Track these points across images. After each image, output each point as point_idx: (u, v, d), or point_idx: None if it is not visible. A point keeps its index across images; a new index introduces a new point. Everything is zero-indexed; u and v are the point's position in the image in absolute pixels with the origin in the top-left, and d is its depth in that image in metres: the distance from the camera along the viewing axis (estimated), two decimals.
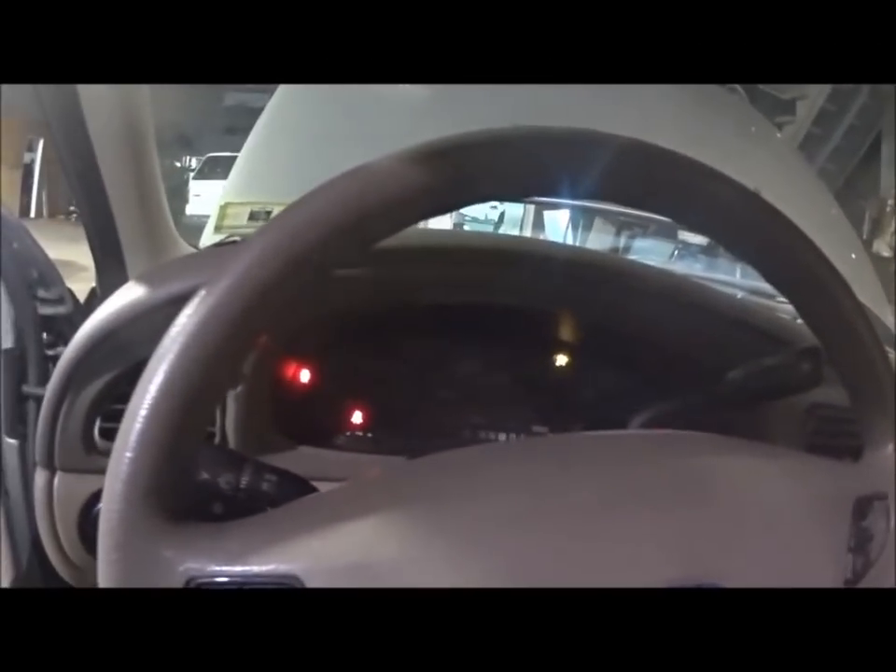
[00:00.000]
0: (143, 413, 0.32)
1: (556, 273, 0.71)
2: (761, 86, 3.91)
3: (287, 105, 1.38)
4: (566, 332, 0.78)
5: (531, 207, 1.80)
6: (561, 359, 0.78)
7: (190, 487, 0.37)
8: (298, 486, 0.54)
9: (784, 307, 1.02)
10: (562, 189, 0.38)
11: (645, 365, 0.77)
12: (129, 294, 0.64)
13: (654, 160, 0.39)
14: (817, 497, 0.45)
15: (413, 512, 0.37)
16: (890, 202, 4.05)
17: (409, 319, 0.73)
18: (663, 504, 0.40)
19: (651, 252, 1.61)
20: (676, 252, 1.59)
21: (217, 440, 0.64)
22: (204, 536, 0.34)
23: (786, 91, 4.34)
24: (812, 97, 4.39)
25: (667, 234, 1.60)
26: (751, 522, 0.41)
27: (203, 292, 0.34)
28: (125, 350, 0.62)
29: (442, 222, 1.87)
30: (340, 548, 0.34)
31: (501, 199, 0.44)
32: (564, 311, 0.76)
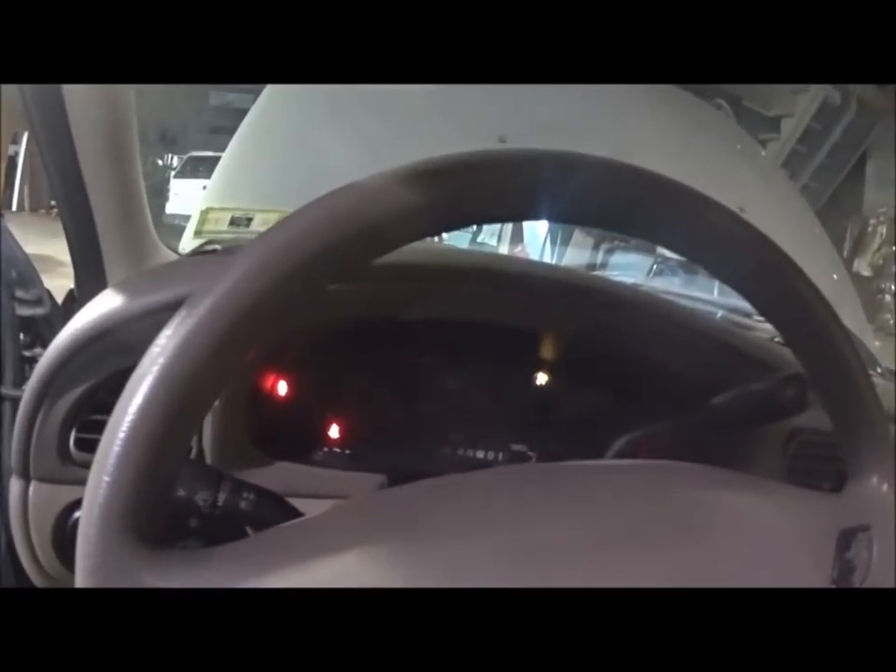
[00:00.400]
0: (121, 435, 0.31)
1: (539, 292, 0.71)
2: (746, 103, 3.93)
3: (270, 110, 1.36)
4: (548, 351, 0.76)
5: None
6: (543, 378, 0.77)
7: (169, 508, 0.35)
8: (275, 505, 0.53)
9: (763, 326, 1.02)
10: (550, 211, 0.38)
11: (629, 387, 0.76)
12: (107, 303, 0.62)
13: (642, 184, 0.38)
14: (803, 530, 0.45)
15: (397, 546, 0.35)
16: (873, 221, 4.09)
17: (389, 334, 0.71)
18: (654, 542, 0.38)
19: (629, 266, 1.59)
20: (655, 266, 1.58)
21: (193, 454, 0.63)
22: (184, 564, 0.33)
23: (771, 109, 4.36)
24: (798, 115, 4.42)
25: (646, 249, 1.59)
26: (741, 557, 0.40)
27: (184, 311, 0.32)
28: (102, 360, 0.61)
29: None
30: (322, 581, 0.33)
31: (497, 221, 0.43)
32: (547, 330, 0.75)
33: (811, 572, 0.43)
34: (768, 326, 0.99)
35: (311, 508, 0.64)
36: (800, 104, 4.35)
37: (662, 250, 1.55)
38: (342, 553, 0.34)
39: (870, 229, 3.91)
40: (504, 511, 0.39)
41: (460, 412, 0.76)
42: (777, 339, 0.81)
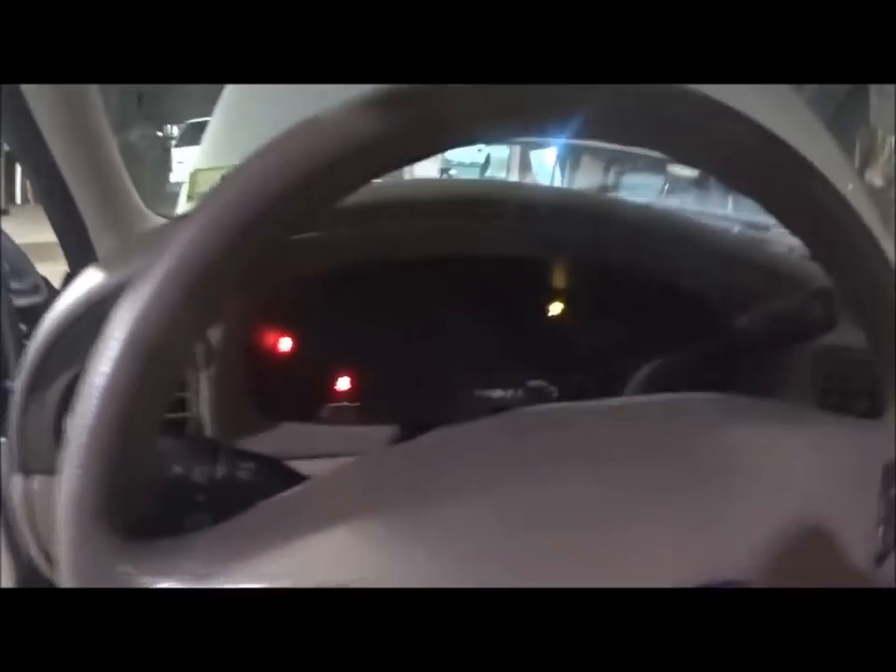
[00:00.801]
0: (85, 422, 0.30)
1: (544, 217, 0.68)
2: None
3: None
4: (559, 281, 0.74)
5: (517, 148, 1.77)
6: (556, 309, 0.74)
7: (150, 490, 0.34)
8: (276, 473, 0.52)
9: (784, 241, 0.99)
10: (544, 125, 0.34)
11: (648, 313, 0.73)
12: (89, 279, 0.60)
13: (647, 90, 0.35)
14: (843, 466, 0.42)
15: (387, 521, 0.33)
16: (881, 131, 4.01)
17: (392, 277, 0.69)
18: (676, 494, 0.36)
19: (641, 187, 1.58)
20: (666, 186, 1.56)
21: (191, 425, 0.61)
22: (163, 553, 0.32)
23: None
24: None
25: (657, 169, 1.57)
26: (775, 503, 0.38)
27: (137, 282, 0.30)
28: (89, 339, 0.58)
29: (428, 166, 1.84)
30: (308, 564, 0.31)
31: (483, 141, 0.40)
32: (556, 258, 0.72)
33: (854, 512, 0.40)
34: (789, 239, 0.98)
35: (321, 469, 0.64)
36: None
37: (673, 169, 1.53)
38: (326, 532, 0.32)
39: (879, 139, 3.84)
40: (507, 473, 0.37)
41: (472, 351, 0.73)
42: (800, 253, 0.79)
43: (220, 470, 0.49)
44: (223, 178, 0.31)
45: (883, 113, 4.25)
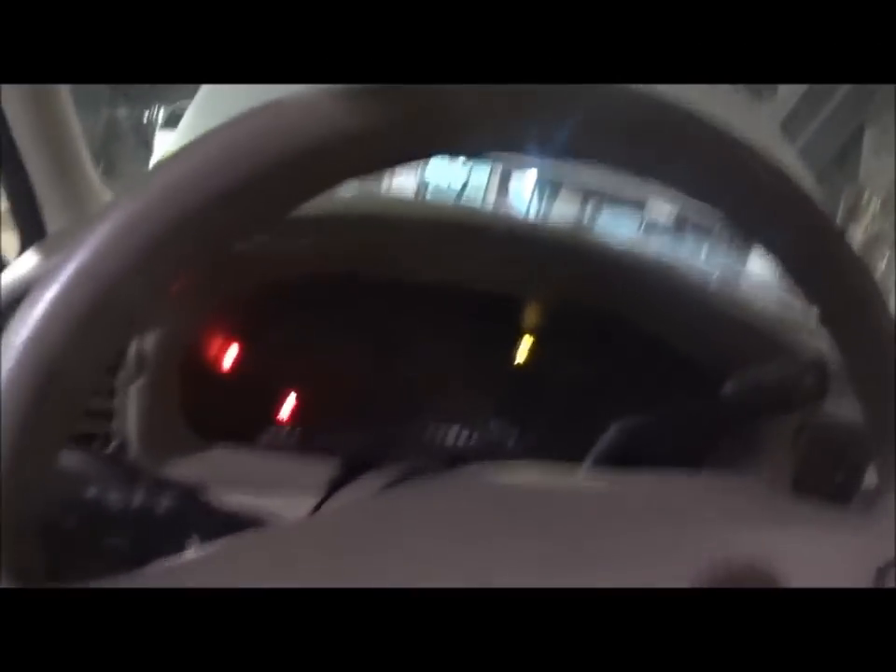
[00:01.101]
0: None
1: (522, 251, 0.64)
2: None
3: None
4: (531, 319, 0.70)
5: (495, 176, 1.75)
6: (525, 349, 0.70)
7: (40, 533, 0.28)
8: (199, 509, 0.47)
9: (763, 295, 0.96)
10: (535, 140, 0.31)
11: (623, 365, 0.69)
12: (30, 260, 0.56)
13: (654, 109, 0.32)
14: (833, 571, 0.36)
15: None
16: (868, 190, 4.05)
17: (350, 296, 0.64)
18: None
19: (618, 224, 1.55)
20: (643, 225, 1.54)
21: (114, 443, 0.56)
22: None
23: None
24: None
25: (634, 208, 1.55)
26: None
27: (37, 288, 0.25)
28: None
29: (405, 187, 1.81)
30: None
31: (467, 152, 0.36)
32: (529, 295, 0.67)
33: None
34: (768, 294, 0.95)
35: (253, 502, 0.56)
36: None
37: (650, 209, 1.51)
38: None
39: (865, 197, 3.88)
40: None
41: (430, 383, 0.69)
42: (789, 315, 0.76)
43: (137, 498, 0.44)
44: (150, 171, 0.26)
45: (872, 173, 4.31)
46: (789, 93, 4.35)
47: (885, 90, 4.35)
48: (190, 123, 1.26)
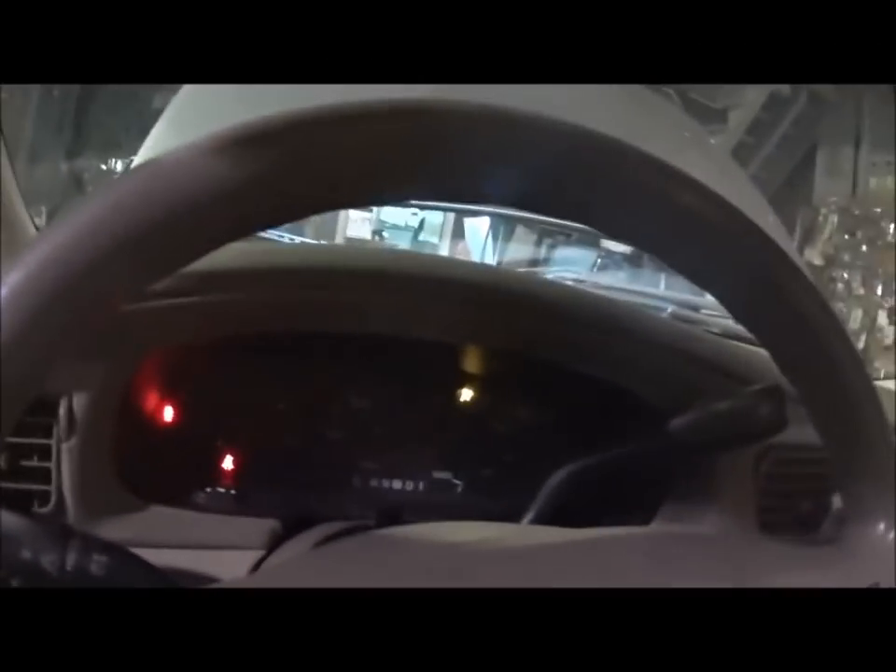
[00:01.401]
0: None
1: (462, 300, 0.61)
2: (692, 94, 3.95)
3: (194, 98, 1.27)
4: (474, 366, 0.67)
5: (451, 215, 1.76)
6: (468, 397, 0.67)
7: None
8: (133, 569, 0.47)
9: (716, 321, 0.95)
10: (460, 189, 0.29)
11: (569, 406, 0.67)
12: None
13: (597, 148, 0.29)
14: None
15: None
16: (823, 210, 4.13)
17: (285, 350, 0.62)
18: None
19: (573, 261, 1.56)
20: (599, 261, 1.54)
21: (51, 503, 0.55)
22: None
23: (718, 100, 4.38)
24: (745, 106, 4.44)
25: (590, 243, 1.55)
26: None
27: None
28: None
29: (360, 227, 1.81)
30: None
31: (371, 204, 0.33)
32: (471, 343, 0.65)
33: None
34: (721, 321, 0.94)
35: (191, 561, 0.57)
36: (748, 95, 4.37)
37: (606, 244, 1.51)
38: None
39: (821, 218, 3.95)
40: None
41: (372, 436, 0.66)
42: (741, 339, 0.74)
43: (71, 560, 0.44)
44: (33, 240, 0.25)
45: (827, 193, 4.39)
46: (737, 122, 4.44)
47: (834, 110, 4.46)
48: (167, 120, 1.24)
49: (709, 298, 1.40)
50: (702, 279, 0.36)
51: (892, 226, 3.31)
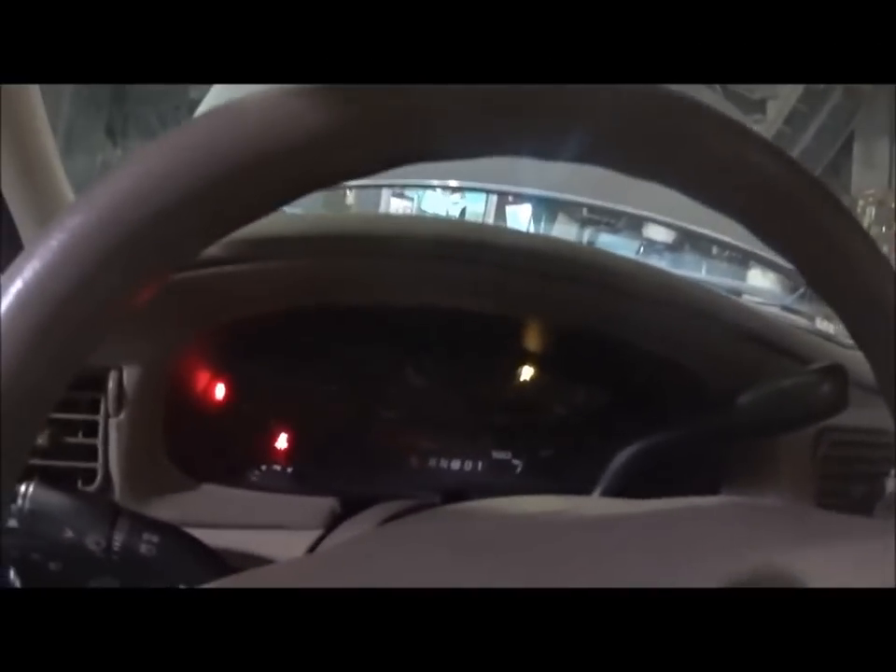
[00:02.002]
0: None
1: (522, 269, 0.59)
2: (731, 86, 3.90)
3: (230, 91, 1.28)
4: (534, 341, 0.66)
5: (493, 201, 1.75)
6: (528, 374, 0.66)
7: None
8: (186, 550, 0.46)
9: (766, 310, 0.93)
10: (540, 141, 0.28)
11: (632, 385, 0.66)
12: None
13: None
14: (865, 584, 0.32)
15: None
16: (861, 202, 4.07)
17: (342, 325, 0.61)
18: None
19: (616, 249, 1.55)
20: (641, 249, 1.54)
21: (97, 481, 0.53)
22: None
23: (756, 91, 4.33)
24: (782, 97, 4.39)
25: (632, 231, 1.55)
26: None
27: None
28: None
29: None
30: None
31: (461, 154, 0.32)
32: (531, 316, 0.64)
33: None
34: (763, 308, 0.93)
35: (243, 541, 0.55)
36: (784, 86, 4.32)
37: (648, 233, 1.51)
38: None
39: (858, 209, 3.89)
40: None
41: (430, 414, 0.65)
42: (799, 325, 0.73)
43: (118, 540, 0.43)
44: (102, 178, 0.23)
45: (864, 184, 4.33)
46: (776, 112, 4.39)
47: (871, 102, 4.39)
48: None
49: (751, 283, 1.40)
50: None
51: None
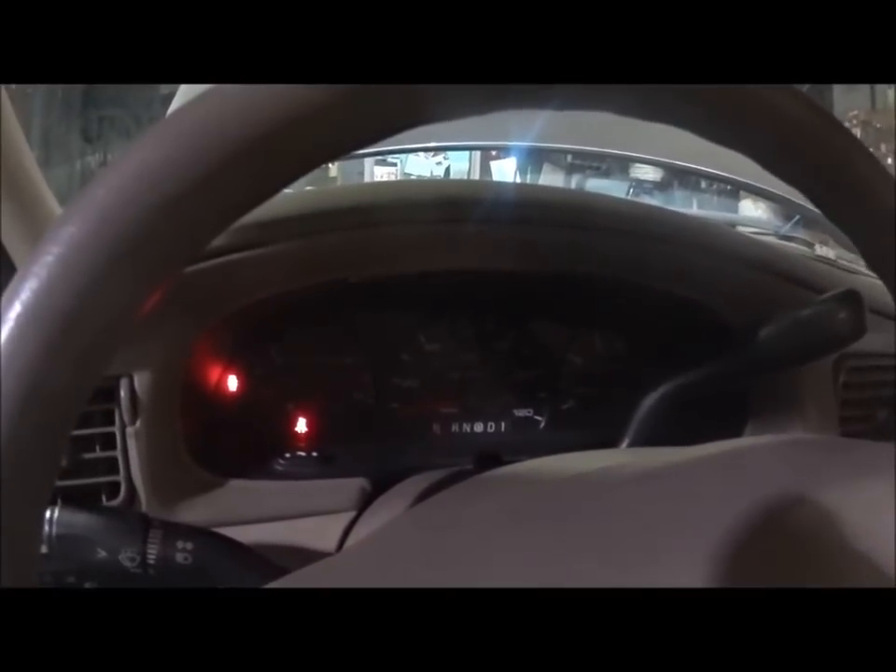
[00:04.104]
0: None
1: (526, 222, 0.58)
2: None
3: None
4: (545, 295, 0.65)
5: (477, 159, 1.74)
6: (543, 328, 0.66)
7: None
8: (222, 553, 0.44)
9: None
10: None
11: (650, 330, 0.65)
12: None
13: None
14: None
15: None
16: (846, 124, 4.03)
17: (351, 299, 0.60)
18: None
19: (605, 191, 1.54)
20: (631, 190, 1.53)
21: (121, 494, 0.51)
22: None
23: None
24: None
25: (620, 173, 1.54)
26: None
27: (7, 300, 0.20)
28: None
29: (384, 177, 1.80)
30: None
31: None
32: (540, 269, 0.61)
33: None
34: (768, 238, 0.92)
35: (281, 533, 0.54)
36: None
37: (636, 173, 1.50)
38: None
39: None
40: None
41: (449, 380, 0.64)
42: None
43: (153, 553, 0.42)
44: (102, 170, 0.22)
45: (847, 107, 4.29)
46: None
47: None
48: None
49: (743, 215, 1.39)
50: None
51: None
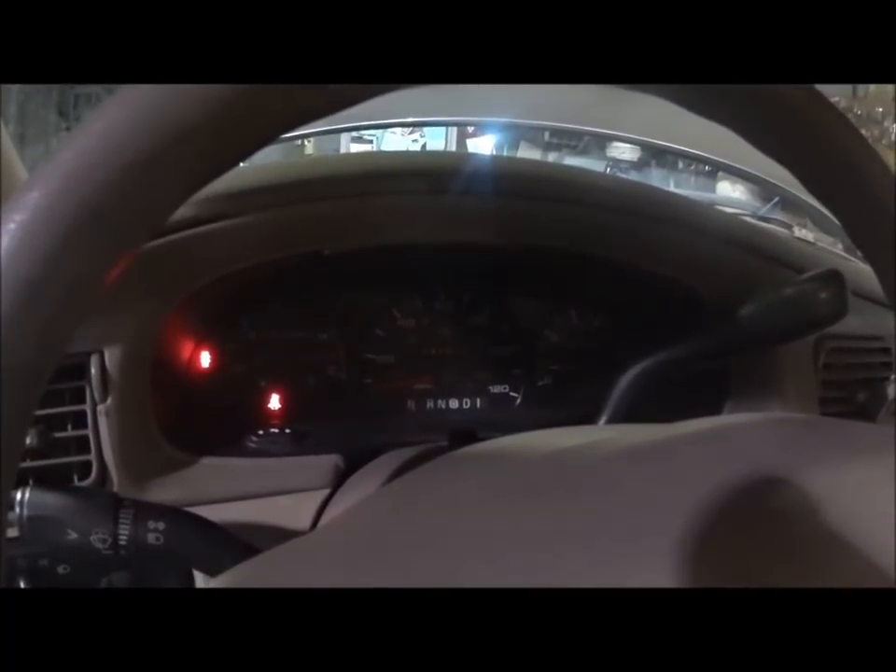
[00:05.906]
0: None
1: (503, 193, 0.57)
2: None
3: None
4: (521, 270, 0.64)
5: (453, 136, 1.73)
6: (519, 303, 0.65)
7: None
8: (194, 532, 0.44)
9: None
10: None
11: (628, 306, 0.65)
12: None
13: None
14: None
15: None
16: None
17: (322, 273, 0.58)
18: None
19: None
20: (608, 169, 1.53)
21: (93, 474, 0.50)
22: None
23: None
24: None
25: (596, 152, 1.53)
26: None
27: None
28: None
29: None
30: None
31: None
32: (516, 243, 0.60)
33: None
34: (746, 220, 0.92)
35: (254, 511, 0.53)
36: None
37: (612, 152, 1.49)
38: None
39: None
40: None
41: (424, 356, 0.64)
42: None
43: (124, 534, 0.41)
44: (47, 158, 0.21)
45: (828, 93, 4.33)
46: None
47: None
48: None
49: (719, 195, 1.40)
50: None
51: (894, 126, 3.26)
